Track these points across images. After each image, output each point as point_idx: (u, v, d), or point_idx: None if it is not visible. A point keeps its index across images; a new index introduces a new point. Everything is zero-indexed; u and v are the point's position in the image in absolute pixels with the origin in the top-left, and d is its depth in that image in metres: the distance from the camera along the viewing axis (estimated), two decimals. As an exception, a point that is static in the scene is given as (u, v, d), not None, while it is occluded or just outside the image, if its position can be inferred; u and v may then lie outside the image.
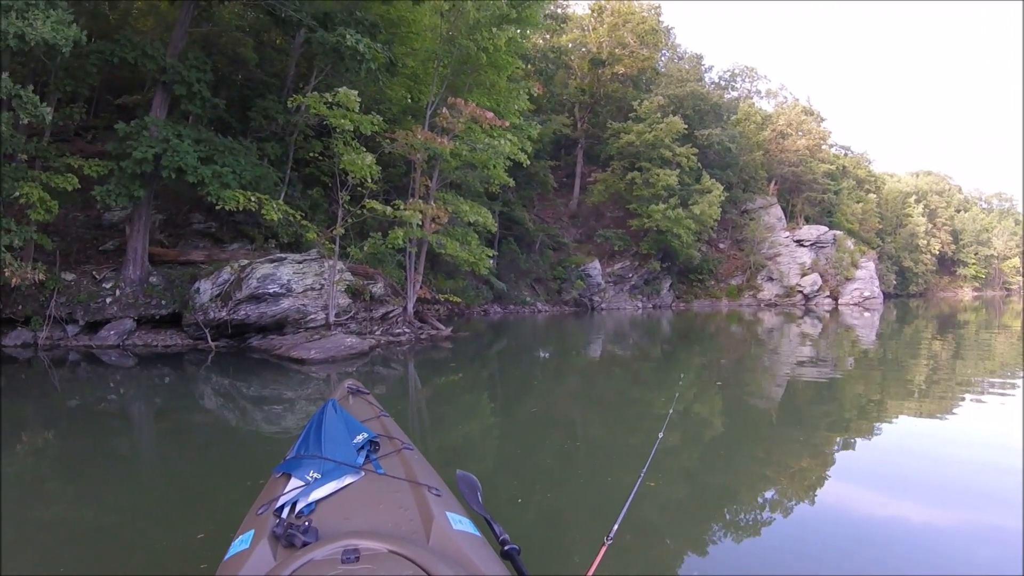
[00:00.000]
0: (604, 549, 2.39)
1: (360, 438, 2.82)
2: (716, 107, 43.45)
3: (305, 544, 1.88)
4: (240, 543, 2.08)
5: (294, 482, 2.42)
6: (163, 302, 13.38)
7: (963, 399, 10.38)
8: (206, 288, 13.05)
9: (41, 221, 11.62)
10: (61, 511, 4.58)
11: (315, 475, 2.42)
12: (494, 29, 16.47)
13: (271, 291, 13.05)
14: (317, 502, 2.28)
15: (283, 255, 14.05)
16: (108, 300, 13.05)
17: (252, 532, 2.11)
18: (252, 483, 5.01)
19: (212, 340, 12.92)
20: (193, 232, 16.00)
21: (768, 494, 5.50)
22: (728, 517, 4.89)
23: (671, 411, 4.16)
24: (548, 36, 38.09)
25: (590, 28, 41.83)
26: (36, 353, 11.78)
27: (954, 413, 9.27)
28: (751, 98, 53.70)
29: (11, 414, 7.43)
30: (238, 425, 7.63)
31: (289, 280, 13.31)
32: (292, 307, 13.26)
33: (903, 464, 6.49)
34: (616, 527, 2.55)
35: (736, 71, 54.16)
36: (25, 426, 6.87)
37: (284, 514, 2.19)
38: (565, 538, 4.43)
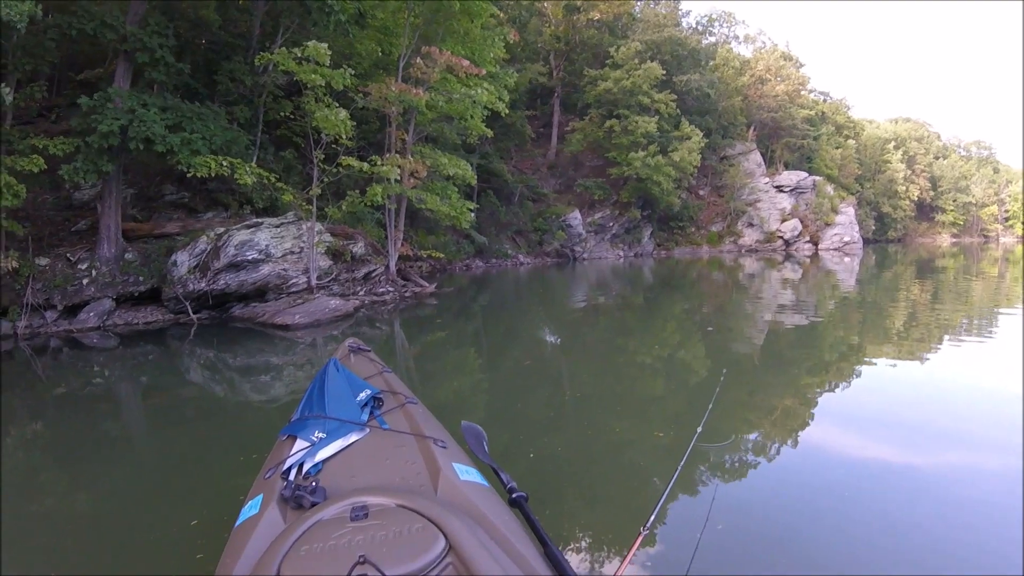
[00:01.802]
0: (639, 540, 2.37)
1: (363, 395, 2.83)
2: (694, 53, 42.80)
3: (314, 504, 1.90)
4: (250, 508, 2.09)
5: (300, 443, 2.41)
6: (140, 278, 13.01)
7: (941, 343, 10.55)
8: (183, 260, 12.71)
9: (9, 207, 11.20)
10: (55, 503, 4.46)
11: (320, 435, 2.42)
12: (466, -27, 15.95)
13: (250, 258, 12.74)
14: (324, 462, 2.30)
15: (259, 220, 13.69)
16: (85, 281, 12.68)
17: (261, 496, 2.12)
18: (245, 454, 5.03)
19: (193, 313, 12.63)
20: (166, 204, 15.54)
21: (752, 437, 5.61)
22: (712, 461, 4.95)
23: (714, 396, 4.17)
24: (521, -18, 37.19)
25: (564, -27, 40.91)
26: (16, 343, 11.49)
27: (933, 356, 9.47)
28: (729, 43, 53.08)
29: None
30: (226, 397, 7.51)
31: (267, 245, 13.00)
32: (272, 273, 12.99)
33: (883, 407, 6.65)
34: (652, 518, 2.53)
35: (714, 16, 53.33)
36: (13, 419, 6.68)
37: (291, 476, 2.20)
38: (572, 485, 4.49)
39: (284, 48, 13.07)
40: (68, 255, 13.08)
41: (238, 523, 2.05)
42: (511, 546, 1.83)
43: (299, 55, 12.76)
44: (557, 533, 3.66)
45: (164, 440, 5.97)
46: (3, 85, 10.20)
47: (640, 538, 2.37)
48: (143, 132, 11.48)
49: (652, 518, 2.53)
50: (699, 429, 3.37)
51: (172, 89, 13.56)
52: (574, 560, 3.45)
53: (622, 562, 2.24)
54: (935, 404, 6.77)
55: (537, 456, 4.98)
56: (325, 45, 12.72)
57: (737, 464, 4.96)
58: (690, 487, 4.40)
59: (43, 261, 12.72)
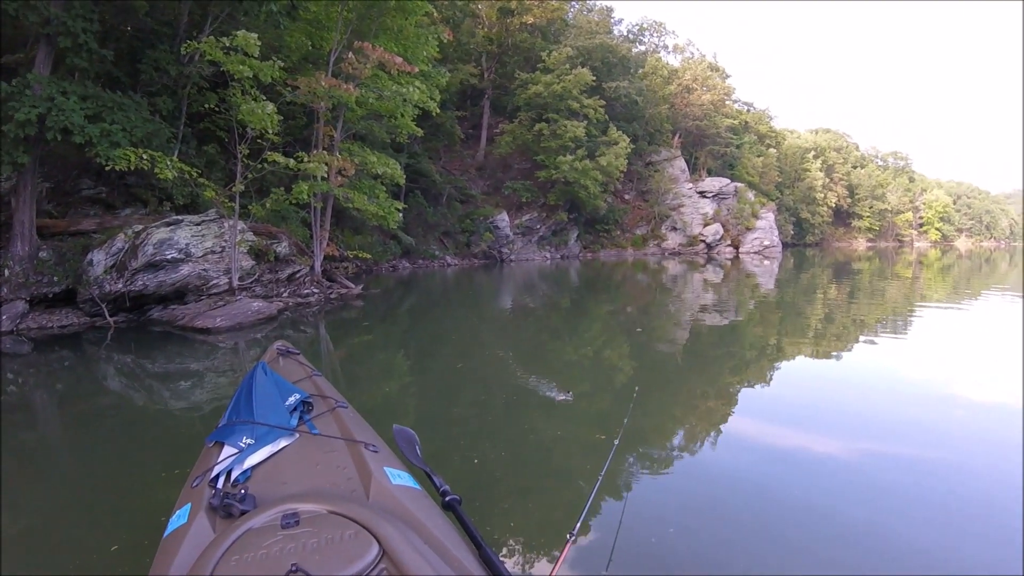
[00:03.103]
0: (568, 547, 2.40)
1: (293, 399, 2.78)
2: (624, 60, 43.69)
3: (243, 512, 1.87)
4: (178, 518, 2.03)
5: (227, 450, 2.36)
6: (55, 278, 12.24)
7: (858, 340, 11.04)
8: (99, 259, 12.04)
9: None
10: None
11: (248, 441, 2.37)
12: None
13: (169, 257, 12.18)
14: (252, 468, 2.26)
15: (180, 217, 13.11)
16: None
17: (189, 505, 2.07)
18: (167, 464, 4.84)
19: (110, 315, 11.96)
20: (83, 199, 14.74)
21: (677, 433, 5.79)
22: (640, 457, 5.07)
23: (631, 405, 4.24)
24: (455, -18, 37.07)
25: (499, -25, 41.03)
26: None
27: (849, 352, 9.89)
28: (658, 52, 54.48)
29: None
30: (146, 405, 7.16)
31: (187, 244, 12.47)
32: (192, 273, 12.46)
33: (803, 401, 6.97)
34: (579, 525, 2.58)
35: (645, 25, 54.73)
36: None
37: (220, 484, 2.17)
38: (504, 486, 4.49)
39: (212, 37, 12.58)
40: None
41: (167, 533, 2.00)
42: (445, 550, 1.82)
43: (227, 45, 12.29)
44: (491, 535, 3.66)
45: (83, 451, 5.67)
46: None
47: (568, 546, 2.39)
48: (62, 121, 10.89)
49: (578, 524, 2.57)
50: (620, 433, 3.42)
51: (94, 77, 12.91)
52: (508, 562, 3.44)
53: (553, 566, 2.24)
54: (852, 397, 7.10)
55: (469, 458, 4.95)
56: (255, 36, 12.31)
57: (661, 462, 5.04)
58: (615, 487, 4.46)
59: None
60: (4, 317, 11.64)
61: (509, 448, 5.25)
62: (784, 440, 5.51)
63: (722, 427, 5.92)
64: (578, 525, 2.56)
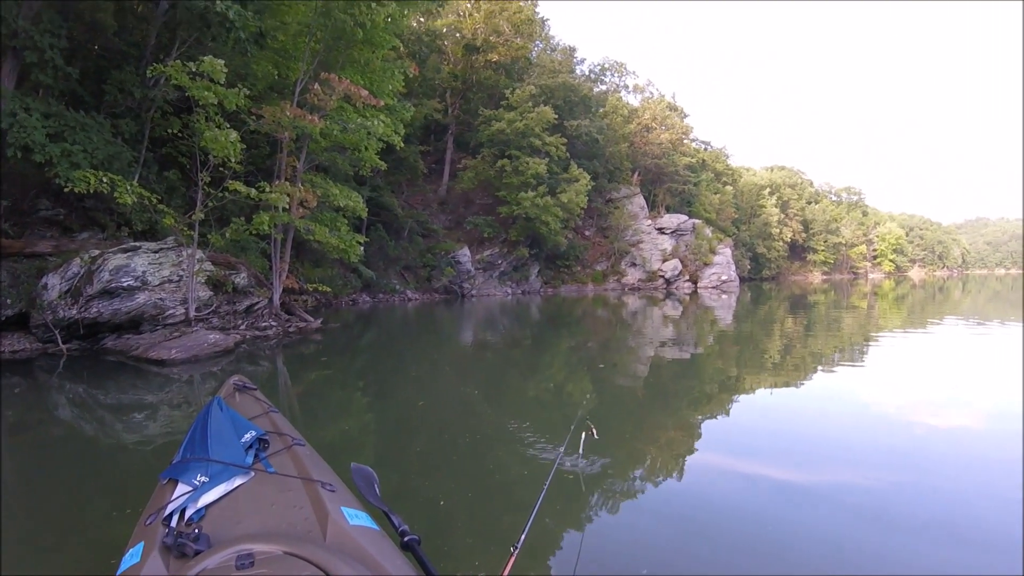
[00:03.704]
0: (512, 559, 2.41)
1: (248, 436, 2.74)
2: (586, 99, 44.45)
3: (197, 552, 1.83)
4: (130, 557, 2.00)
5: (181, 487, 2.31)
6: (8, 300, 11.85)
7: (816, 371, 11.23)
8: (54, 283, 11.68)
9: None
10: None
11: (203, 479, 2.33)
12: (373, 4, 15.83)
13: (125, 284, 11.88)
14: (207, 507, 2.22)
15: (137, 244, 12.83)
16: None
17: (142, 544, 2.02)
18: (118, 500, 4.69)
19: (63, 342, 11.59)
20: (40, 220, 14.35)
21: (637, 468, 5.71)
22: (602, 492, 5.03)
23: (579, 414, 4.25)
24: (423, 19, 37.46)
25: (466, 14, 41.70)
26: None
27: (807, 383, 10.04)
28: (619, 92, 55.55)
29: None
30: (98, 437, 6.92)
31: (144, 272, 12.18)
32: (148, 302, 12.16)
33: (763, 430, 7.01)
34: (524, 536, 2.59)
35: (606, 65, 55.74)
36: None
37: (173, 523, 2.13)
38: (464, 525, 4.43)
39: (178, 61, 12.48)
40: None
41: (119, 572, 1.97)
42: None
43: (193, 70, 12.19)
44: None
45: (30, 484, 5.45)
46: None
47: (512, 558, 2.39)
48: (23, 139, 10.70)
49: (523, 536, 2.58)
50: (557, 461, 3.41)
51: (58, 95, 12.72)
52: (467, 603, 3.39)
53: None
54: (813, 425, 7.23)
55: (430, 498, 4.86)
56: (222, 62, 12.24)
57: (620, 491, 5.03)
58: (566, 514, 4.50)
59: None
60: None
61: (471, 485, 5.18)
62: (744, 467, 5.55)
63: (685, 457, 5.92)
64: (522, 538, 2.57)
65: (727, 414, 7.86)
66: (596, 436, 5.12)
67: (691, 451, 6.17)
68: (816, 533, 4.13)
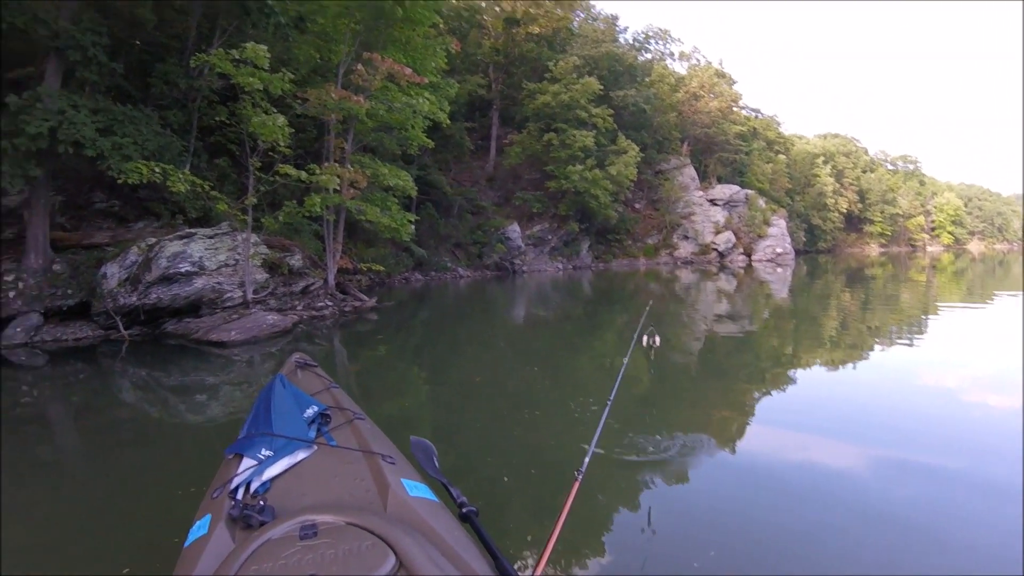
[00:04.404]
0: (577, 485, 2.51)
1: (310, 412, 2.81)
2: (631, 68, 43.61)
3: (262, 523, 1.89)
4: (198, 528, 2.06)
5: (247, 462, 2.38)
6: (70, 291, 12.24)
7: (872, 348, 10.89)
8: (113, 272, 12.02)
9: None
10: None
11: (267, 453, 2.41)
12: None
13: (183, 270, 12.14)
14: (271, 480, 2.28)
15: (192, 231, 13.09)
16: (11, 294, 11.85)
17: (209, 516, 2.09)
18: (182, 476, 4.79)
19: (125, 328, 11.92)
20: (96, 212, 14.79)
21: (696, 445, 5.56)
22: (658, 469, 4.93)
23: (618, 380, 4.15)
24: (461, -7, 37.21)
25: (504, -14, 41.18)
26: None
27: (864, 360, 9.75)
28: (664, 60, 54.08)
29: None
30: (162, 418, 7.10)
31: (201, 257, 12.42)
32: (206, 286, 12.40)
33: (819, 409, 6.81)
34: (587, 461, 2.71)
35: (650, 33, 54.19)
36: None
37: (239, 495, 2.18)
38: (522, 499, 4.42)
39: (221, 50, 12.58)
40: None
41: (187, 543, 2.01)
42: (462, 562, 1.83)
43: (237, 57, 12.29)
44: (508, 548, 3.59)
45: (98, 464, 5.61)
46: None
47: (576, 484, 2.52)
48: (73, 135, 10.94)
49: (586, 462, 2.70)
50: (592, 445, 3.34)
51: (104, 91, 12.98)
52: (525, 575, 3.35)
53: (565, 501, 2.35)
54: (867, 403, 7.00)
55: (487, 471, 4.86)
56: (264, 48, 12.30)
57: (679, 469, 4.93)
58: (633, 492, 4.42)
59: None
60: (19, 329, 11.65)
61: (529, 460, 5.15)
62: (804, 449, 5.42)
63: (737, 435, 5.83)
64: (586, 462, 2.68)
65: (783, 391, 7.66)
66: (658, 343, 5.06)
67: (743, 429, 6.05)
68: (866, 515, 4.00)
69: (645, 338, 4.99)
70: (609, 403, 3.45)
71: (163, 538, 3.70)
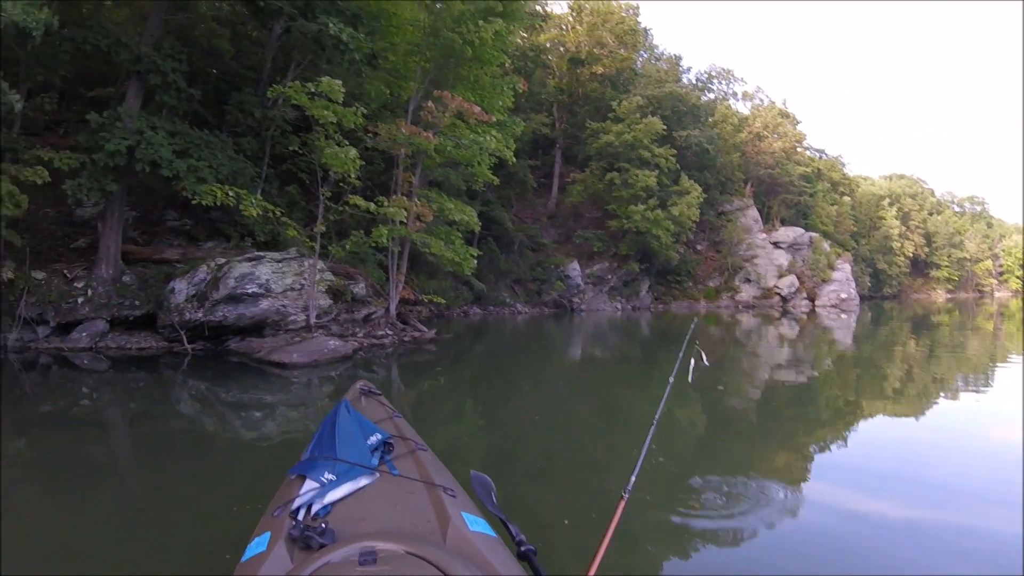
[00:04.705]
0: (623, 503, 2.53)
1: (374, 439, 2.83)
2: (694, 108, 43.47)
3: (322, 546, 1.89)
4: (256, 545, 2.09)
5: (309, 484, 2.41)
6: (137, 302, 12.81)
7: (938, 399, 10.45)
8: (181, 288, 12.51)
9: (10, 216, 11.07)
10: (33, 522, 4.24)
11: (330, 476, 2.42)
12: (480, 22, 16.12)
13: (249, 291, 12.53)
14: (333, 504, 2.29)
15: (261, 253, 13.54)
16: (80, 300, 12.47)
17: (268, 534, 2.12)
18: (232, 491, 4.81)
19: (188, 342, 12.36)
20: (167, 229, 15.46)
21: (750, 493, 5.33)
22: (710, 517, 4.74)
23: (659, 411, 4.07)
24: (526, 34, 37.88)
25: (569, 27, 41.89)
26: (5, 355, 11.23)
27: (929, 413, 9.29)
28: (728, 100, 54.08)
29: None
30: (217, 432, 7.26)
31: (268, 280, 12.80)
32: (271, 308, 12.75)
33: (879, 463, 6.46)
34: (633, 479, 2.71)
35: (713, 73, 54.31)
36: None
37: (300, 516, 2.21)
38: (580, 541, 4.29)
39: (297, 82, 13.08)
40: (65, 271, 12.93)
41: (244, 559, 2.05)
42: None
43: (312, 90, 12.74)
44: None
45: (149, 470, 5.74)
46: (14, 92, 10.07)
47: (622, 503, 2.54)
48: (150, 155, 11.48)
49: (632, 480, 2.71)
50: (637, 465, 3.25)
51: (181, 115, 13.63)
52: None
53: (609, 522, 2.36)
54: (934, 458, 6.64)
55: (546, 511, 4.76)
56: (339, 82, 12.72)
57: (735, 514, 4.75)
58: (678, 545, 4.28)
59: (39, 275, 12.57)
60: (84, 334, 12.21)
61: (589, 501, 5.00)
62: (863, 501, 5.15)
63: (793, 487, 5.53)
64: (632, 480, 2.70)
65: (842, 445, 7.30)
66: (707, 363, 4.89)
67: (800, 481, 5.74)
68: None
69: (693, 361, 4.82)
70: (654, 424, 3.47)
71: (208, 550, 3.72)
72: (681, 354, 4.60)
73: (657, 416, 3.52)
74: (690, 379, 4.79)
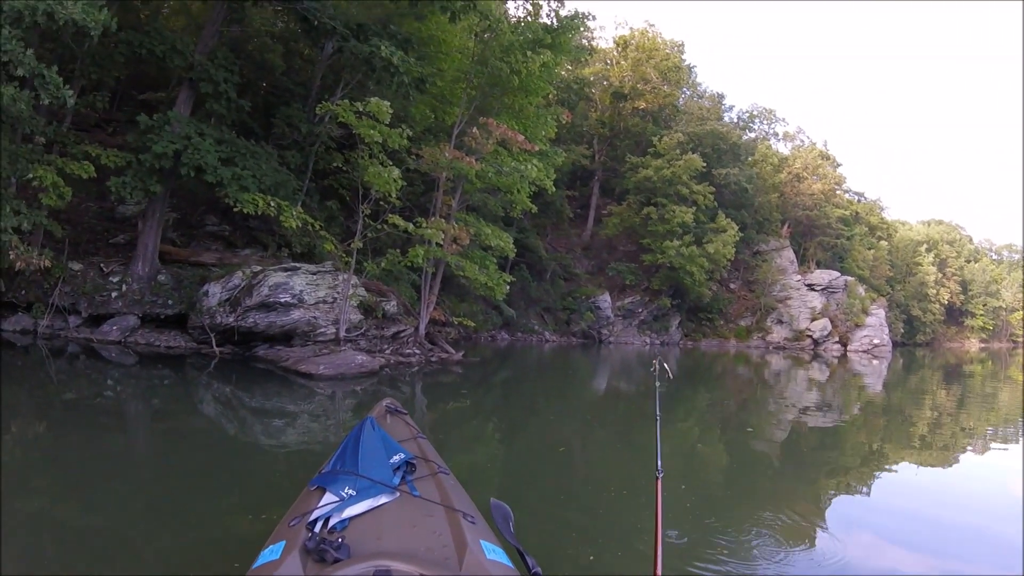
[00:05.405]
0: (659, 483, 2.75)
1: (397, 458, 2.81)
2: (734, 147, 43.33)
3: (336, 560, 1.88)
4: (270, 552, 2.08)
5: (328, 497, 2.42)
6: (170, 302, 13.12)
7: (965, 450, 10.25)
8: (215, 292, 12.77)
9: (52, 207, 11.43)
10: (45, 506, 4.33)
11: (350, 492, 2.42)
12: (528, 52, 16.39)
13: (282, 300, 12.74)
14: (351, 519, 2.28)
15: (297, 264, 13.79)
16: (114, 294, 12.82)
17: (283, 543, 2.11)
18: (244, 495, 4.84)
19: (217, 345, 12.60)
20: (206, 234, 15.83)
21: (767, 539, 5.25)
22: (728, 563, 4.64)
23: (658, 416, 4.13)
24: (571, 67, 38.23)
25: (613, 62, 42.18)
26: (35, 340, 11.56)
27: (955, 464, 9.11)
28: (768, 140, 53.72)
29: (3, 400, 7.20)
30: (236, 435, 7.33)
31: (302, 291, 13.02)
32: (302, 319, 12.96)
33: (901, 514, 6.30)
34: (660, 461, 3.02)
35: (755, 112, 54.21)
36: (16, 414, 6.62)
37: (317, 528, 2.19)
38: (599, 570, 4.27)
39: (346, 101, 13.37)
40: (102, 265, 13.28)
41: (256, 565, 2.06)
42: None
43: (360, 109, 13.00)
44: None
45: (163, 466, 5.79)
46: (67, 88, 10.42)
47: (659, 481, 2.82)
48: (196, 160, 11.79)
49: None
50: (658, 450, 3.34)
51: (229, 124, 13.96)
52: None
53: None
54: (954, 512, 6.45)
55: (564, 541, 4.71)
56: (387, 103, 12.96)
57: (754, 558, 4.67)
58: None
59: (76, 266, 12.95)
60: (115, 327, 12.53)
61: (610, 536, 4.94)
62: (884, 552, 5.07)
63: (812, 533, 5.45)
64: (659, 464, 2.97)
65: (865, 494, 7.18)
66: (671, 376, 5.07)
67: (819, 528, 5.63)
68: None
69: (655, 368, 5.02)
70: (658, 418, 3.88)
71: (215, 554, 3.69)
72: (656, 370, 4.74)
73: (658, 414, 3.88)
74: (657, 383, 4.92)
